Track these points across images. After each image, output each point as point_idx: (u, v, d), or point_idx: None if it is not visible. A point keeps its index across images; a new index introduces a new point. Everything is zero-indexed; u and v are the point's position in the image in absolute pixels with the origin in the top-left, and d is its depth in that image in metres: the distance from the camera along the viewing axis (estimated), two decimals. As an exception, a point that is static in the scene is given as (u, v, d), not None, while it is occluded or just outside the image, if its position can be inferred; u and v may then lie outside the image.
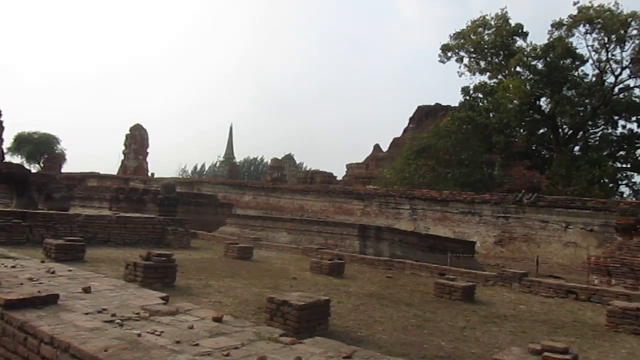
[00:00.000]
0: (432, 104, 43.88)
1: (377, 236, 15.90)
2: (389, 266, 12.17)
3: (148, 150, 43.69)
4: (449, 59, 31.27)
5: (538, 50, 28.30)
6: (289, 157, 49.54)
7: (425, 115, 42.28)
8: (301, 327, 5.51)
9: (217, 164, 53.00)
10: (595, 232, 19.95)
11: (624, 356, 5.78)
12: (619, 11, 27.11)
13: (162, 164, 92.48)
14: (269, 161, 44.07)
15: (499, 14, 30.09)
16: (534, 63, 28.21)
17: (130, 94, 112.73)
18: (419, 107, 43.87)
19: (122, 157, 42.65)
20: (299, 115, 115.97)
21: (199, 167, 66.80)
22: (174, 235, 13.73)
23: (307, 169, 55.05)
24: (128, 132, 43.13)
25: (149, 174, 40.38)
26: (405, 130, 44.16)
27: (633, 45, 26.94)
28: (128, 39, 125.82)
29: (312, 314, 5.73)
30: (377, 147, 46.25)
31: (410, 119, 44.69)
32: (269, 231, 17.91)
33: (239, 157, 58.14)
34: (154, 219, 14.38)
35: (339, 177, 42.11)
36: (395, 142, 42.84)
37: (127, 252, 11.19)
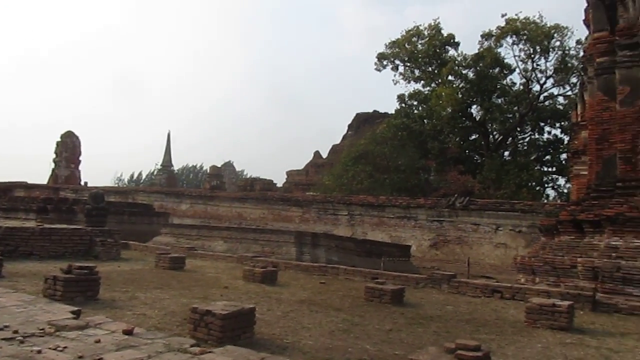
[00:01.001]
0: (370, 111, 44.69)
1: (313, 243, 15.94)
2: (323, 272, 12.22)
3: (80, 159, 42.08)
4: (384, 67, 31.98)
5: (469, 59, 29.43)
6: (228, 165, 49.02)
7: (363, 122, 42.97)
8: (225, 336, 5.41)
9: (155, 172, 51.72)
10: (524, 233, 20.82)
11: (539, 350, 6.03)
12: (543, 23, 28.63)
13: (98, 172, 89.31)
14: (208, 169, 43.42)
15: (432, 24, 31.10)
16: (465, 72, 29.30)
17: (64, 96, 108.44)
18: (357, 114, 44.55)
19: (52, 165, 40.87)
20: (241, 123, 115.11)
21: (135, 176, 65.00)
22: (103, 247, 13.25)
23: (248, 176, 54.66)
24: (59, 139, 41.41)
25: (82, 183, 38.89)
26: (344, 137, 44.70)
27: (556, 55, 28.49)
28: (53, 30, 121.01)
29: (236, 323, 5.64)
30: (317, 154, 46.52)
31: (349, 126, 45.31)
32: (205, 240, 17.61)
33: (177, 165, 56.99)
34: (81, 230, 13.83)
35: (280, 184, 42.03)
36: (334, 149, 43.27)
37: (51, 265, 10.70)
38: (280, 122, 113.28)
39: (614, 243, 11.26)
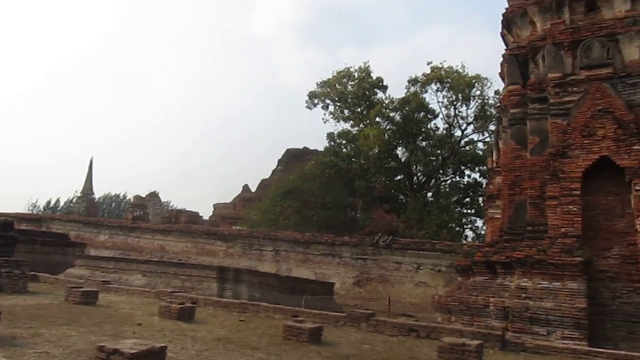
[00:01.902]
0: (301, 147, 45.16)
1: (236, 278, 15.70)
2: (244, 309, 12.03)
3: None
4: (315, 105, 32.65)
5: (396, 103, 30.66)
6: (153, 195, 47.64)
7: (293, 158, 43.29)
8: (133, 377, 5.20)
9: (74, 200, 49.36)
10: (443, 272, 21.49)
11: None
12: (465, 73, 30.38)
13: (10, 198, 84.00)
14: (132, 198, 42.01)
15: (362, 67, 32.24)
16: (392, 115, 30.44)
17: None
18: (287, 150, 44.87)
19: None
20: (171, 154, 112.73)
21: (52, 203, 61.67)
22: (8, 279, 12.40)
23: (173, 207, 53.27)
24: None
25: (-9, 210, 36.39)
26: (273, 172, 44.77)
27: (476, 104, 30.21)
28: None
29: (146, 363, 5.44)
30: (246, 188, 46.24)
31: (279, 161, 45.49)
32: (123, 273, 16.92)
33: (99, 193, 54.78)
34: (-15, 261, 12.90)
35: (206, 217, 41.27)
36: (263, 184, 43.20)
37: (-53, 298, 9.90)
38: (211, 154, 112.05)
39: (523, 284, 11.86)
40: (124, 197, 62.94)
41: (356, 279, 22.73)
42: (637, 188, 11.63)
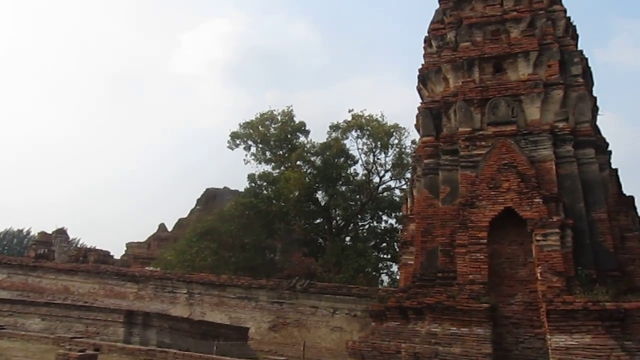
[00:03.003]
0: (221, 187, 44.58)
1: (145, 323, 14.97)
2: (151, 356, 11.46)
3: None
4: (237, 146, 32.55)
5: (317, 147, 31.22)
6: (60, 232, 44.85)
7: (212, 198, 42.61)
8: None
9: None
10: (359, 317, 21.58)
11: None
12: (384, 122, 31.54)
13: None
14: (36, 235, 39.35)
15: (286, 110, 32.66)
16: (313, 159, 30.91)
17: None
18: (207, 190, 44.14)
19: None
20: (81, 188, 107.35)
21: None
22: None
23: (82, 245, 50.41)
24: None
25: None
26: (192, 212, 43.73)
27: (394, 152, 31.34)
28: None
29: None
30: (162, 227, 44.76)
31: (198, 200, 44.58)
32: (19, 317, 15.69)
33: (-1, 229, 51.00)
34: None
35: (118, 257, 39.35)
36: (180, 223, 42.03)
37: None
38: (125, 193, 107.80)
39: (433, 330, 12.17)
40: (28, 233, 58.95)
41: (272, 324, 22.32)
42: (537, 238, 12.41)
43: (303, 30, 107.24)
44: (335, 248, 28.43)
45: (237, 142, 32.49)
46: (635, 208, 14.23)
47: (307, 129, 32.68)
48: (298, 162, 30.67)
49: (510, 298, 12.75)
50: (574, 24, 15.87)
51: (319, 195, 31.72)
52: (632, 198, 14.36)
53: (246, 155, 32.79)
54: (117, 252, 40.63)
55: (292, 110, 32.64)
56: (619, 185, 14.31)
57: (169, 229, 43.73)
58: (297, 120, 32.59)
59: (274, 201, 30.11)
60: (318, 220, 32.55)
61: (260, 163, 32.64)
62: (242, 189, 34.41)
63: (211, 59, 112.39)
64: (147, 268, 28.43)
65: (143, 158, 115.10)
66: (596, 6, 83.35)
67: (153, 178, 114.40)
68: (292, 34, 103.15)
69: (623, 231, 13.38)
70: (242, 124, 32.52)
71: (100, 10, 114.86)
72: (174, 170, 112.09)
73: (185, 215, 43.59)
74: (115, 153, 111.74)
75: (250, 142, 32.48)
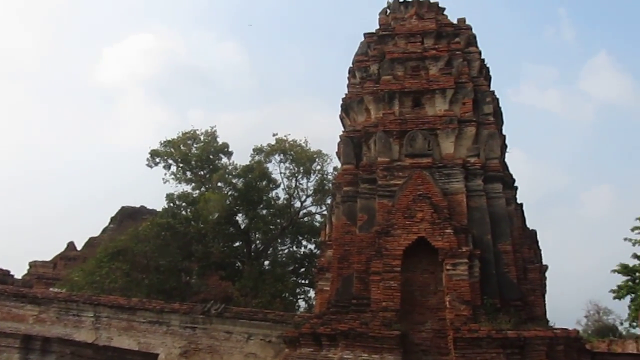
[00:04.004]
0: (137, 206, 42.99)
1: (43, 349, 14.10)
2: (47, 385, 10.70)
3: None
4: (156, 164, 31.64)
5: (239, 170, 30.90)
6: (-46, 248, 41.48)
7: (128, 217, 40.96)
8: None
9: None
10: (273, 343, 21.27)
11: None
12: (308, 148, 31.80)
13: None
14: None
15: (209, 130, 32.19)
16: (234, 181, 30.54)
17: None
18: (122, 208, 42.40)
19: None
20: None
21: None
22: None
23: (-21, 264, 46.65)
24: None
25: None
26: (104, 230, 41.78)
27: (316, 178, 31.62)
28: None
29: None
30: (70, 245, 42.40)
31: (112, 218, 42.69)
32: None
33: None
34: None
35: (19, 276, 36.72)
36: (91, 242, 40.01)
37: None
38: (32, 207, 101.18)
39: (345, 356, 12.24)
40: None
41: (183, 350, 21.52)
42: (447, 268, 12.90)
43: (232, 51, 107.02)
44: (253, 272, 28.08)
45: (157, 160, 31.60)
46: (537, 241, 15.17)
47: (230, 150, 32.37)
48: (219, 184, 30.22)
49: (420, 325, 13.11)
50: (487, 65, 16.91)
51: (239, 218, 31.32)
52: (534, 232, 15.31)
53: (165, 174, 31.92)
54: (19, 271, 37.88)
55: (215, 130, 32.26)
56: (524, 219, 15.22)
57: (79, 247, 41.53)
58: (220, 141, 32.23)
59: (192, 222, 29.41)
60: (237, 244, 32.06)
61: (180, 183, 31.88)
62: (159, 209, 33.39)
63: (135, 75, 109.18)
64: (51, 289, 26.78)
65: (59, 171, 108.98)
66: (509, 51, 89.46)
67: (65, 193, 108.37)
68: (220, 54, 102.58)
69: (526, 263, 14.19)
70: (163, 141, 31.72)
71: (15, 20, 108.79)
72: (89, 186, 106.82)
73: (97, 234, 41.58)
74: (22, 163, 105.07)
75: (170, 161, 31.67)
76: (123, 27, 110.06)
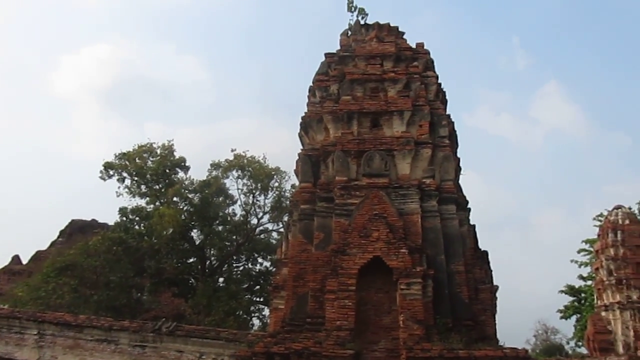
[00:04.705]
0: (89, 219, 41.75)
1: (-19, 368, 13.31)
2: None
3: None
4: (110, 177, 30.86)
5: (196, 185, 30.52)
6: None
7: (78, 230, 39.69)
8: None
9: None
10: (226, 362, 20.95)
11: None
12: (266, 164, 31.71)
13: None
14: None
15: (166, 144, 31.68)
16: (190, 196, 30.13)
17: None
18: (72, 221, 41.07)
19: None
20: None
21: None
22: None
23: None
24: None
25: None
26: (52, 244, 40.33)
27: (274, 195, 31.52)
28: None
29: None
30: (15, 259, 40.75)
31: (61, 232, 41.29)
32: None
33: None
34: None
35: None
36: (38, 256, 38.54)
37: None
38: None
39: (299, 376, 12.13)
40: None
41: (132, 369, 20.90)
42: (402, 287, 13.04)
43: (192, 65, 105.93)
44: (207, 289, 27.62)
45: (111, 172, 30.82)
46: (488, 262, 15.51)
47: (187, 165, 31.91)
48: (174, 198, 29.72)
49: (374, 345, 13.16)
50: (444, 89, 17.36)
51: (194, 233, 30.86)
52: (486, 252, 15.66)
53: (119, 187, 31.13)
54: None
55: (173, 144, 31.78)
56: (476, 240, 15.56)
57: (24, 261, 39.92)
58: (177, 155, 31.73)
59: (145, 237, 28.77)
60: (191, 260, 31.52)
61: (134, 196, 31.14)
62: (111, 223, 32.52)
63: (91, 85, 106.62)
64: (-8, 305, 25.54)
65: (4, 181, 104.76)
66: (465, 77, 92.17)
67: (11, 205, 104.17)
68: (180, 67, 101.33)
69: (477, 283, 14.48)
70: (117, 154, 30.99)
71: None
72: (38, 198, 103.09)
73: (44, 248, 40.09)
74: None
75: (125, 174, 30.95)
76: (82, 36, 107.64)
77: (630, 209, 25.84)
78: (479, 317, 13.92)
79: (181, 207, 29.74)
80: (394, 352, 12.85)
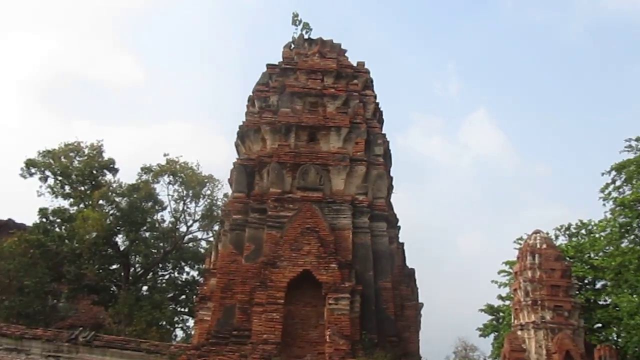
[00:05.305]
0: (5, 218, 39.31)
1: None
2: None
3: None
4: (32, 175, 29.24)
5: (124, 188, 29.42)
6: None
7: (-7, 231, 37.34)
8: None
9: None
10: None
11: None
12: (199, 171, 31.10)
13: None
14: None
15: (95, 144, 30.40)
16: (118, 199, 29.00)
17: None
18: (-14, 221, 38.58)
19: None
20: None
21: None
22: None
23: None
24: None
25: None
26: (-38, 244, 37.67)
27: (205, 203, 30.92)
28: None
29: None
30: None
31: (-27, 231, 38.66)
32: None
33: None
34: None
35: None
36: (-57, 257, 35.82)
37: None
38: None
39: (221, 390, 11.88)
40: None
41: (42, 380, 19.74)
42: (330, 302, 13.10)
43: (128, 65, 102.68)
44: (130, 298, 26.57)
45: (33, 170, 29.19)
46: (415, 280, 15.89)
47: (116, 167, 30.70)
48: (101, 201, 28.50)
49: (299, 359, 13.09)
50: (381, 109, 17.73)
51: (119, 239, 29.69)
52: (413, 270, 16.04)
53: (41, 186, 29.53)
54: None
55: (102, 145, 30.49)
56: (404, 258, 15.91)
57: None
58: (106, 156, 30.50)
59: (66, 241, 27.39)
60: (114, 266, 30.28)
61: (56, 197, 29.59)
62: (30, 224, 30.75)
63: (15, 75, 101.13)
64: None
65: None
66: (401, 99, 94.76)
67: None
68: (115, 66, 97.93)
69: (404, 300, 14.79)
70: (41, 151, 29.41)
71: None
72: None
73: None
74: None
75: (48, 173, 29.40)
76: (8, 22, 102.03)
77: (547, 234, 27.50)
78: (404, 334, 14.20)
79: (107, 210, 28.57)
80: (318, 367, 12.85)
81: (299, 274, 13.38)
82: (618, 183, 24.96)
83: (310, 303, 13.63)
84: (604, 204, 25.59)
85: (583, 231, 32.56)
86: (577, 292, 25.24)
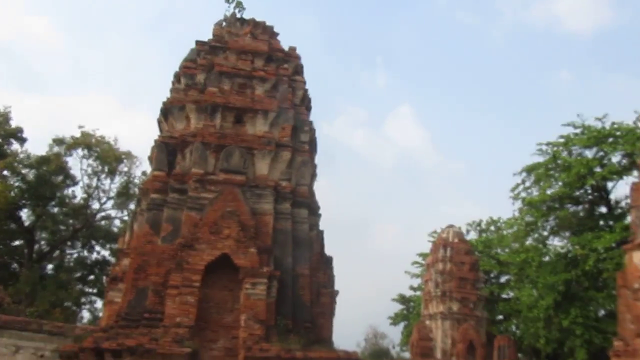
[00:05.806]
0: None
1: None
2: None
3: None
4: None
5: (32, 159, 27.66)
6: None
7: None
8: None
9: None
10: (47, 357, 19.13)
11: None
12: (117, 147, 29.79)
13: None
14: None
15: (2, 111, 28.32)
16: (25, 171, 27.25)
17: None
18: None
19: None
20: None
21: None
22: None
23: None
24: None
25: None
26: None
27: (121, 180, 29.73)
28: None
29: None
30: None
31: None
32: None
33: None
34: None
35: None
36: None
37: None
38: None
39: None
40: None
41: None
42: (247, 287, 12.97)
43: (44, 27, 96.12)
44: (32, 276, 25.11)
45: None
46: (332, 267, 16.07)
47: (24, 136, 28.81)
48: (5, 172, 26.64)
49: (212, 343, 12.90)
50: (310, 96, 17.68)
51: (24, 213, 27.95)
52: (331, 258, 16.20)
53: (-63, 154, 27.19)
54: None
55: (10, 111, 28.46)
56: (323, 246, 16.03)
57: None
58: (14, 124, 28.50)
59: (-37, 213, 25.41)
60: (17, 242, 28.48)
61: (-45, 166, 27.35)
62: None
63: None
64: None
65: None
66: (329, 88, 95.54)
67: None
68: (28, 28, 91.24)
69: (320, 287, 14.92)
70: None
71: None
72: None
73: None
74: None
75: (-54, 140, 27.16)
76: None
77: (460, 228, 28.78)
78: (318, 320, 14.34)
79: (12, 182, 26.74)
80: (232, 352, 12.72)
81: (217, 258, 13.12)
82: (527, 184, 26.45)
83: (227, 287, 13.42)
84: (513, 203, 27.07)
85: (492, 227, 34.43)
86: (483, 285, 26.63)
